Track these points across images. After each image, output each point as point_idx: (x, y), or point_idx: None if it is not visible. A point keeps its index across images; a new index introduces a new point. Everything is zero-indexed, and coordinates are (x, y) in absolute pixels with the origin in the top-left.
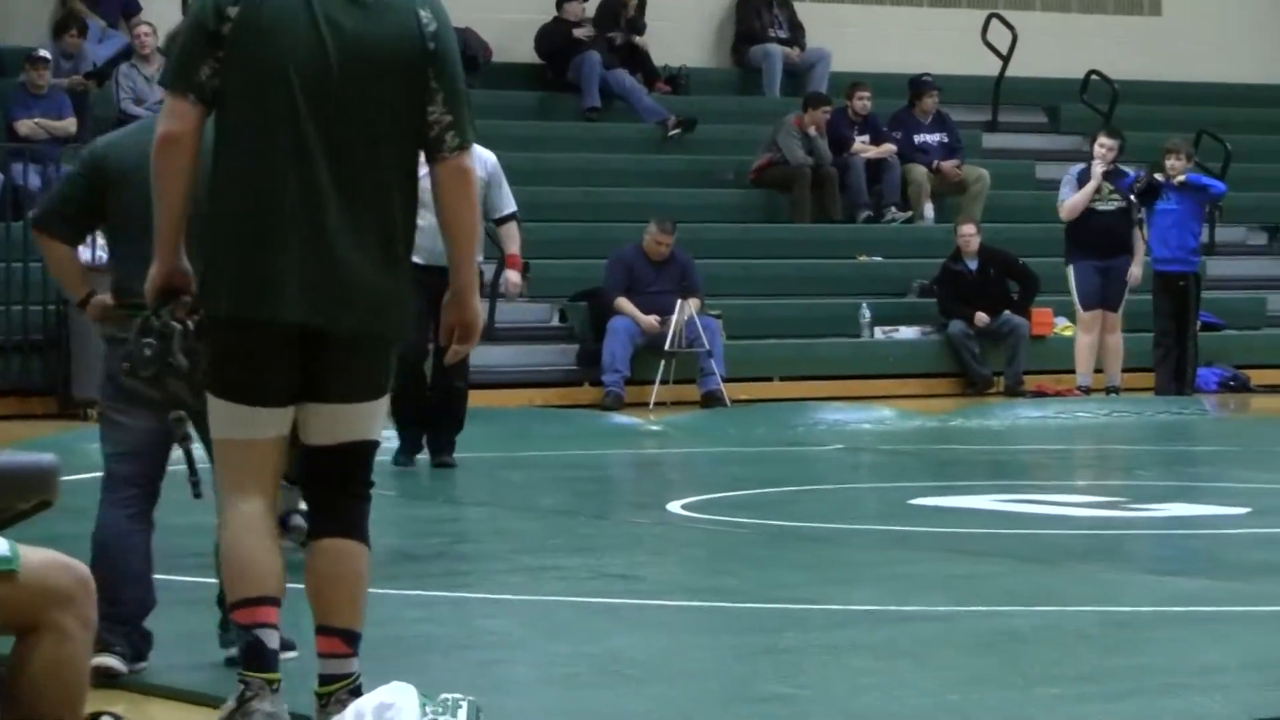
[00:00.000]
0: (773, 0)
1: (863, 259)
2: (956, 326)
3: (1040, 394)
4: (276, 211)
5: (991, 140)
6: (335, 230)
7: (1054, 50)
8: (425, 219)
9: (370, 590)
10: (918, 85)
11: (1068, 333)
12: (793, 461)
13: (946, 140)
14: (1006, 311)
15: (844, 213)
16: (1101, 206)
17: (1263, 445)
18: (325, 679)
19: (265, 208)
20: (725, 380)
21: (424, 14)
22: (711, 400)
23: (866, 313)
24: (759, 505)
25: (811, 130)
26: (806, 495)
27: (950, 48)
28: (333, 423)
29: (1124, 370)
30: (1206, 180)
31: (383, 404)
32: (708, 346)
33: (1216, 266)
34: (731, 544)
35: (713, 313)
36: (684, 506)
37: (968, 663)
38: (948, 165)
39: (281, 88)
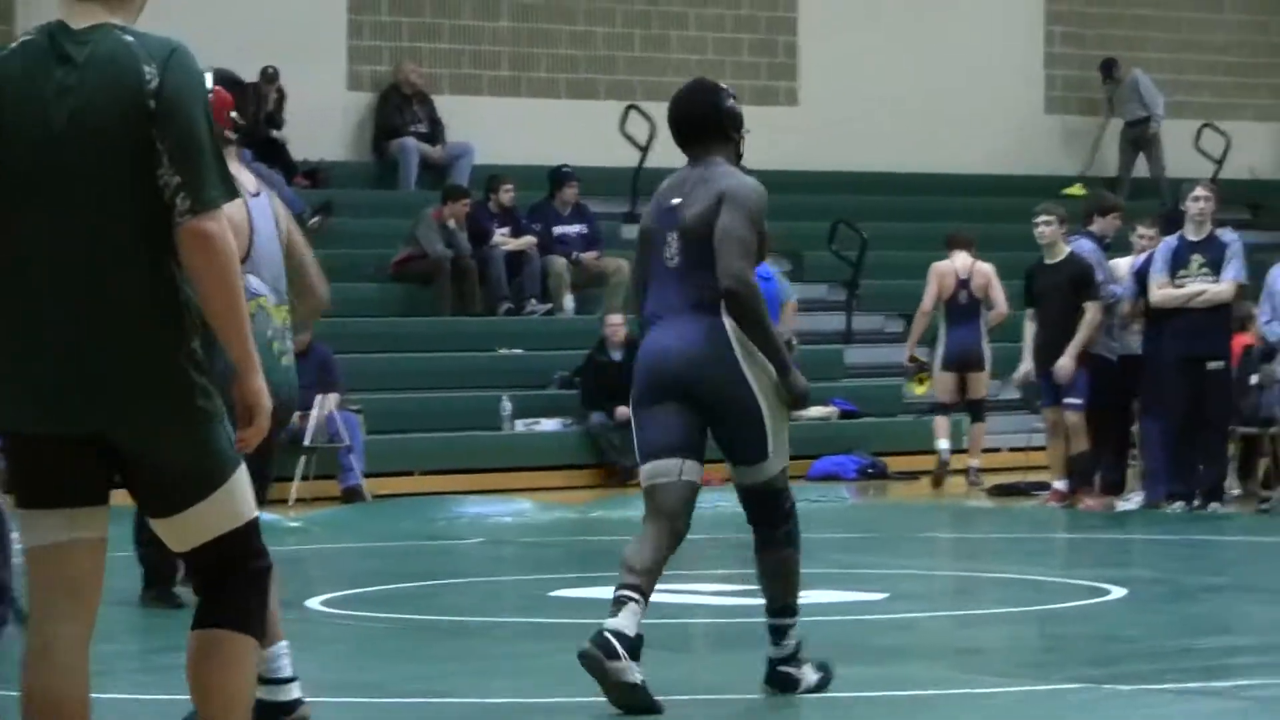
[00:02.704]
0: (413, 96)
1: (503, 352)
2: (597, 418)
3: None
4: (12, 315)
5: (631, 231)
6: (69, 327)
7: None
8: None
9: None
10: (557, 176)
11: None
12: (434, 555)
13: (586, 231)
14: None
15: (484, 305)
16: None
17: (900, 531)
18: None
19: (8, 312)
20: (366, 475)
21: (148, 69)
22: (352, 495)
23: (507, 405)
24: (401, 599)
25: (451, 223)
26: (448, 589)
27: (589, 139)
28: (177, 534)
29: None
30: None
31: (227, 491)
32: (348, 441)
33: (854, 354)
34: (373, 639)
35: (353, 407)
36: (324, 602)
37: None
38: (588, 256)
39: (10, 177)
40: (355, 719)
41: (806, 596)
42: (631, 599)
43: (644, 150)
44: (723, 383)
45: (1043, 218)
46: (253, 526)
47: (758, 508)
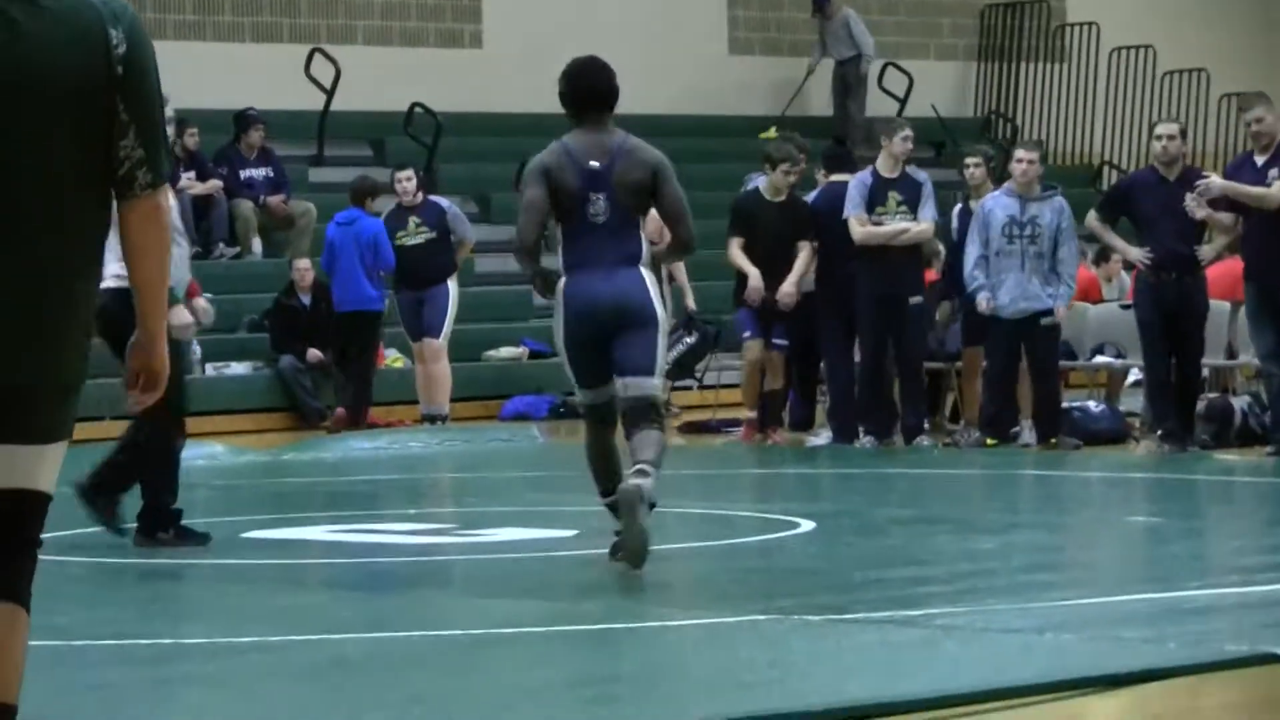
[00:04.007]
0: None
1: None
2: (287, 361)
3: (373, 426)
4: None
5: (318, 174)
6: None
7: (377, 84)
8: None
9: None
10: (242, 120)
11: (398, 364)
12: (125, 500)
13: (272, 175)
14: None
15: None
16: (409, 241)
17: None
18: None
19: None
20: None
21: (113, 32)
22: None
23: (197, 349)
24: (89, 544)
25: None
26: None
27: (274, 82)
28: None
29: (463, 400)
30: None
31: (55, 453)
32: None
33: None
34: (60, 582)
35: None
36: None
37: (297, 691)
38: (274, 200)
39: None
40: (44, 661)
41: (497, 534)
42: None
43: (329, 93)
44: (638, 315)
45: (791, 165)
46: (48, 504)
47: (636, 413)
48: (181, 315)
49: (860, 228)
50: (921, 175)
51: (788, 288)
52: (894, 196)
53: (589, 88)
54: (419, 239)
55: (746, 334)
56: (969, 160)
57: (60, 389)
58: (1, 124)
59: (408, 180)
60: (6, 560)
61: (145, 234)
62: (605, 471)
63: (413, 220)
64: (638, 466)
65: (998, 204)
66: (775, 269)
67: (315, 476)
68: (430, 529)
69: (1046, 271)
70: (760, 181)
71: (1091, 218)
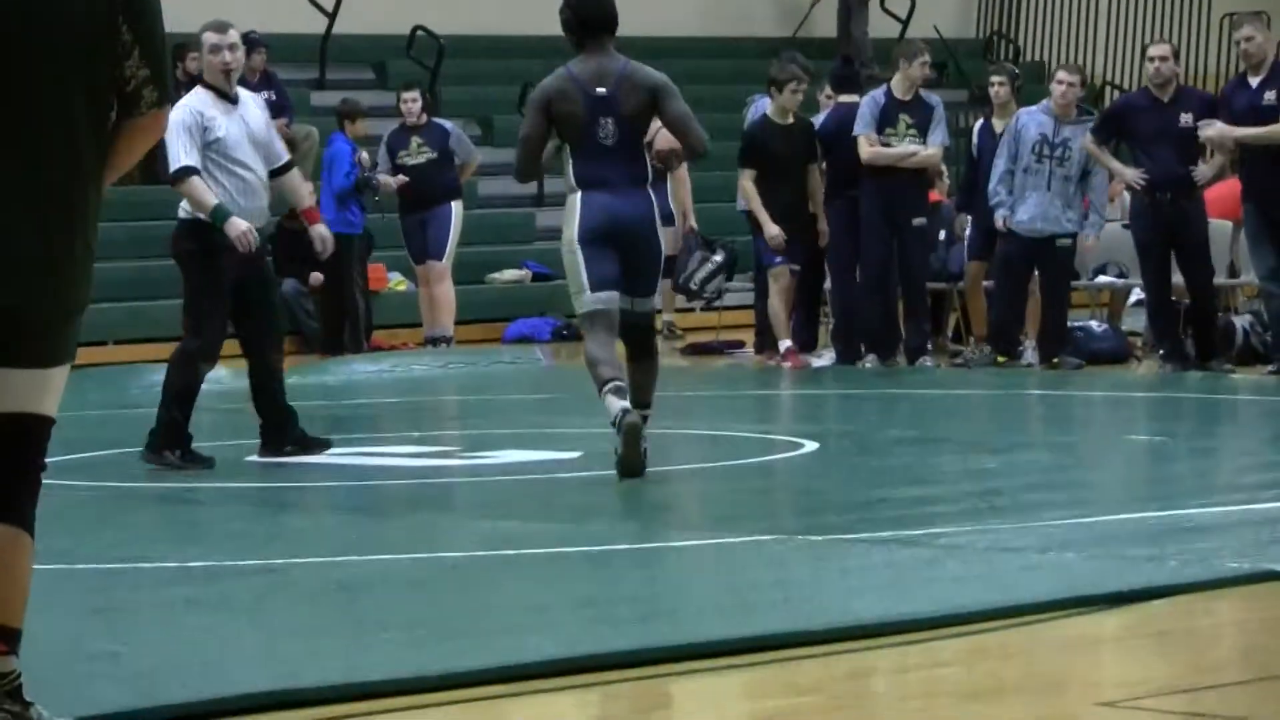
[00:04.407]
0: None
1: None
2: (290, 285)
3: (376, 349)
4: None
5: (320, 98)
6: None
7: (379, 6)
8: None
9: None
10: (244, 43)
11: (401, 287)
12: (128, 424)
13: (275, 99)
14: None
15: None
16: (410, 160)
17: (594, 392)
18: None
19: None
20: None
21: None
22: None
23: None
24: (95, 467)
25: None
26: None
27: (276, 5)
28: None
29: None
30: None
31: (61, 375)
32: None
33: (545, 217)
34: (66, 506)
35: None
36: None
37: (301, 613)
38: (277, 123)
39: None
40: (49, 585)
41: (500, 456)
42: (622, 384)
43: (331, 16)
44: (649, 239)
45: (797, 84)
46: (51, 428)
47: (640, 333)
48: (237, 226)
49: (869, 147)
50: (935, 99)
51: (823, 227)
52: (905, 119)
53: (591, 15)
54: (420, 159)
55: (779, 260)
56: (994, 79)
57: (65, 313)
58: (19, 61)
59: (413, 101)
60: (10, 483)
61: (136, 148)
62: (607, 363)
63: (415, 140)
64: (642, 414)
65: (1033, 120)
66: (789, 193)
67: (318, 400)
68: (434, 451)
69: (1070, 195)
70: (766, 106)
71: (1087, 140)
